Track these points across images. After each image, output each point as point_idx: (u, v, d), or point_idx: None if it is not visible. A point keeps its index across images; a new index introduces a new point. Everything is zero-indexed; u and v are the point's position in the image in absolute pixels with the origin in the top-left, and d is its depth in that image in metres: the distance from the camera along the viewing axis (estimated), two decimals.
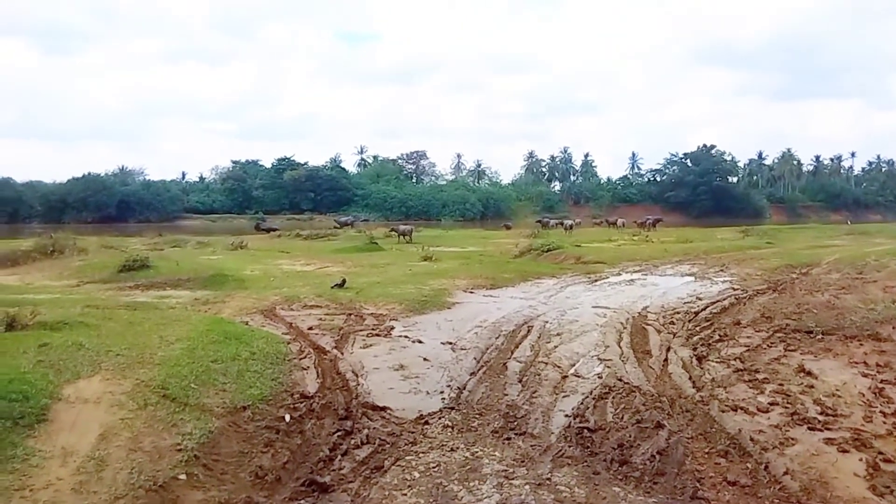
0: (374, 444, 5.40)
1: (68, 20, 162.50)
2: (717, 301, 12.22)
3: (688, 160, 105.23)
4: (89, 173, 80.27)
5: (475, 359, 8.06)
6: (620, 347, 8.62)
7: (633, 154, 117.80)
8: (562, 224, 44.67)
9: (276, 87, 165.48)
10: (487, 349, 8.52)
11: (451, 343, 8.89)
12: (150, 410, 5.20)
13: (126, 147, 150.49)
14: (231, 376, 6.35)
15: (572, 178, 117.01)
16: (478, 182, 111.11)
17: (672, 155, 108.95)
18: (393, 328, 9.76)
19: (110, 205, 74.93)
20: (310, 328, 9.50)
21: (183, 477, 4.42)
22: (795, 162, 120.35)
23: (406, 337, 9.24)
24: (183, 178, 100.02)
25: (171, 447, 4.72)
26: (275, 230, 39.72)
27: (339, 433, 5.55)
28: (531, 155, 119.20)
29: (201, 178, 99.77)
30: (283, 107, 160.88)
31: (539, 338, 9.17)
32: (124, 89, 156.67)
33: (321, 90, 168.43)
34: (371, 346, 8.71)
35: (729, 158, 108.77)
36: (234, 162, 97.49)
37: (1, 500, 3.76)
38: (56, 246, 20.09)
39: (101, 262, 17.43)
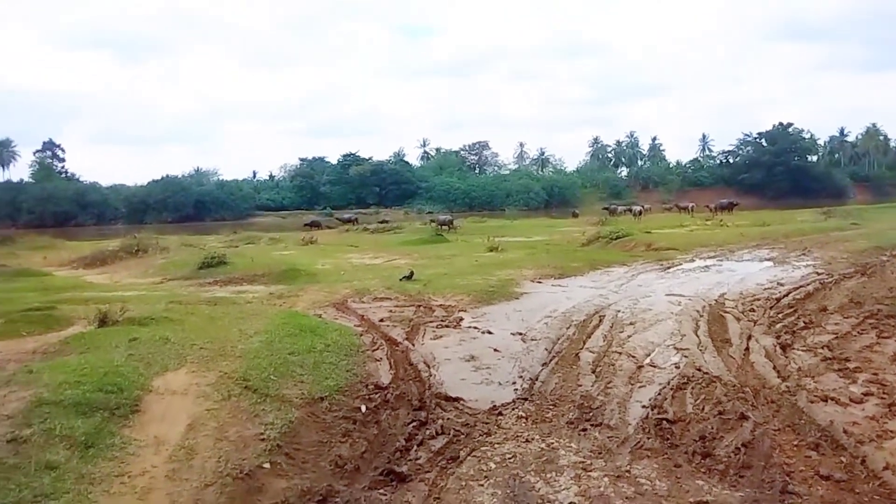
0: (449, 434, 5.42)
1: (146, 31, 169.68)
2: (801, 286, 11.65)
3: (762, 140, 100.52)
4: (167, 175, 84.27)
5: (546, 349, 7.97)
6: (698, 336, 8.35)
7: (704, 136, 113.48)
8: (630, 210, 43.59)
9: (342, 84, 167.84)
10: (558, 339, 8.41)
11: (520, 333, 8.82)
12: (234, 401, 5.40)
13: (200, 149, 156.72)
14: (308, 368, 6.51)
15: (640, 162, 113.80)
16: (542, 170, 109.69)
17: (745, 135, 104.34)
18: (462, 319, 9.78)
19: (188, 205, 78.24)
20: (381, 320, 9.64)
21: (267, 465, 4.56)
22: (881, 137, 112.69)
23: (475, 328, 9.23)
24: (254, 176, 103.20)
25: (255, 437, 4.88)
26: (318, 225, 40.91)
27: (413, 424, 5.60)
28: (596, 141, 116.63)
29: (271, 177, 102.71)
30: (348, 104, 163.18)
31: (611, 327, 8.98)
32: (198, 94, 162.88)
33: (384, 86, 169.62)
34: (441, 337, 8.76)
35: (808, 137, 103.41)
36: (301, 160, 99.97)
37: (103, 486, 3.99)
38: (140, 245, 21.26)
39: (182, 259, 18.25)
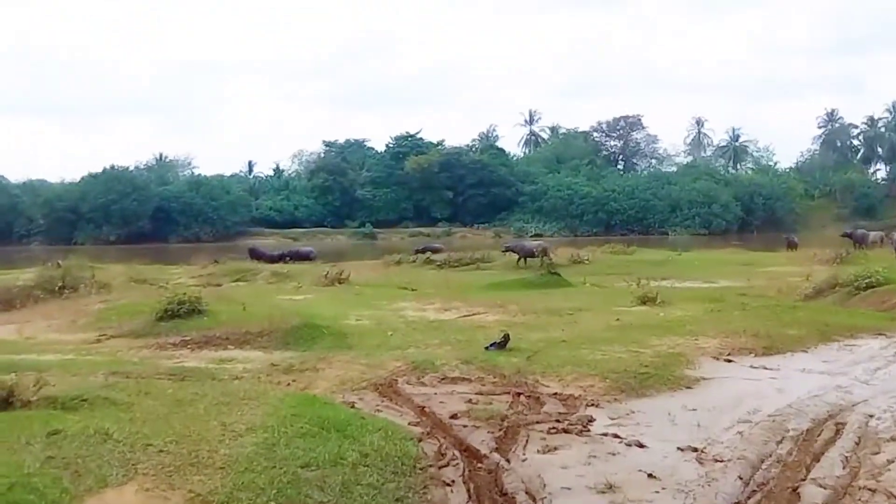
0: None
1: None
2: None
3: None
4: (113, 167, 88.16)
5: (741, 478, 7.81)
6: None
7: None
8: (891, 239, 42.34)
9: (392, 25, 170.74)
10: (762, 461, 8.25)
11: (695, 449, 8.70)
12: None
13: (166, 126, 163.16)
14: (332, 492, 6.59)
15: None
16: (734, 167, 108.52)
17: None
18: (592, 420, 9.74)
19: (143, 215, 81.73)
20: (453, 416, 9.69)
21: None
22: None
23: (615, 436, 9.18)
24: (250, 171, 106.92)
25: None
26: (284, 257, 40.35)
27: None
28: (832, 117, 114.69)
29: (278, 171, 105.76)
30: (401, 54, 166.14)
31: (858, 444, 8.74)
32: (167, 41, 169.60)
33: (463, 25, 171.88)
34: (556, 449, 8.72)
35: None
36: (326, 144, 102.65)
37: None
38: (66, 280, 22.27)
39: (132, 304, 18.97)
